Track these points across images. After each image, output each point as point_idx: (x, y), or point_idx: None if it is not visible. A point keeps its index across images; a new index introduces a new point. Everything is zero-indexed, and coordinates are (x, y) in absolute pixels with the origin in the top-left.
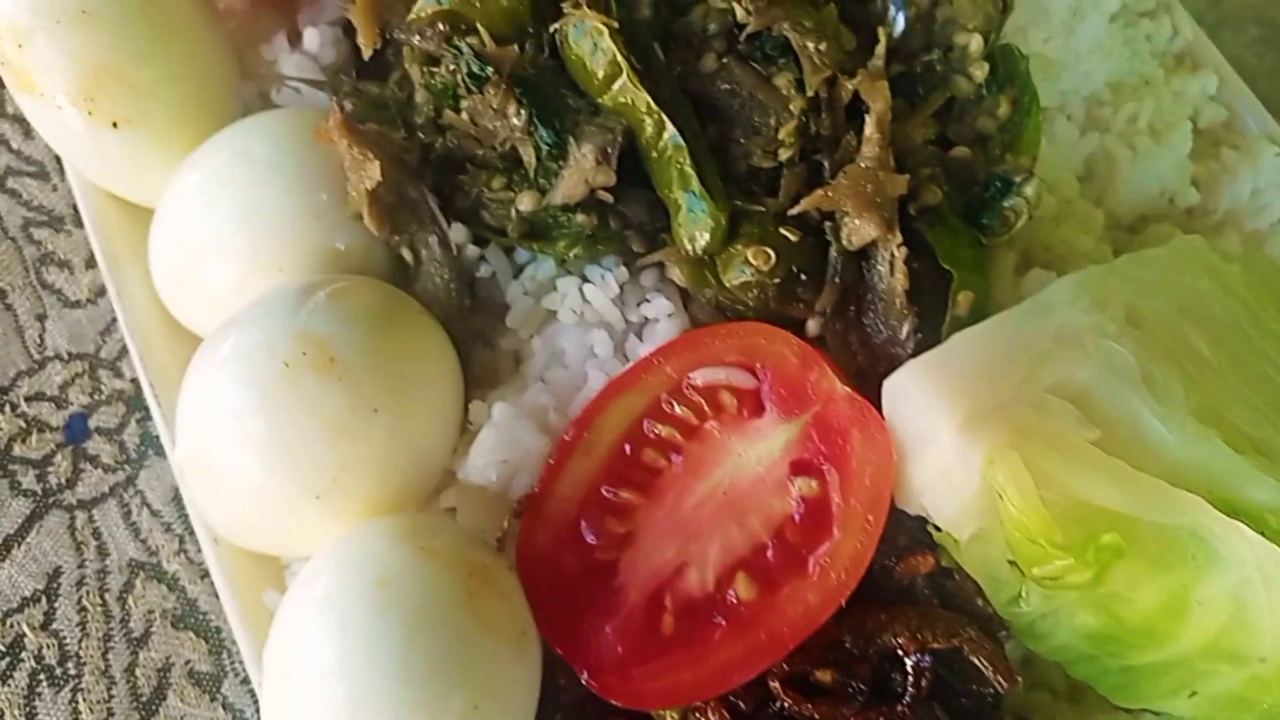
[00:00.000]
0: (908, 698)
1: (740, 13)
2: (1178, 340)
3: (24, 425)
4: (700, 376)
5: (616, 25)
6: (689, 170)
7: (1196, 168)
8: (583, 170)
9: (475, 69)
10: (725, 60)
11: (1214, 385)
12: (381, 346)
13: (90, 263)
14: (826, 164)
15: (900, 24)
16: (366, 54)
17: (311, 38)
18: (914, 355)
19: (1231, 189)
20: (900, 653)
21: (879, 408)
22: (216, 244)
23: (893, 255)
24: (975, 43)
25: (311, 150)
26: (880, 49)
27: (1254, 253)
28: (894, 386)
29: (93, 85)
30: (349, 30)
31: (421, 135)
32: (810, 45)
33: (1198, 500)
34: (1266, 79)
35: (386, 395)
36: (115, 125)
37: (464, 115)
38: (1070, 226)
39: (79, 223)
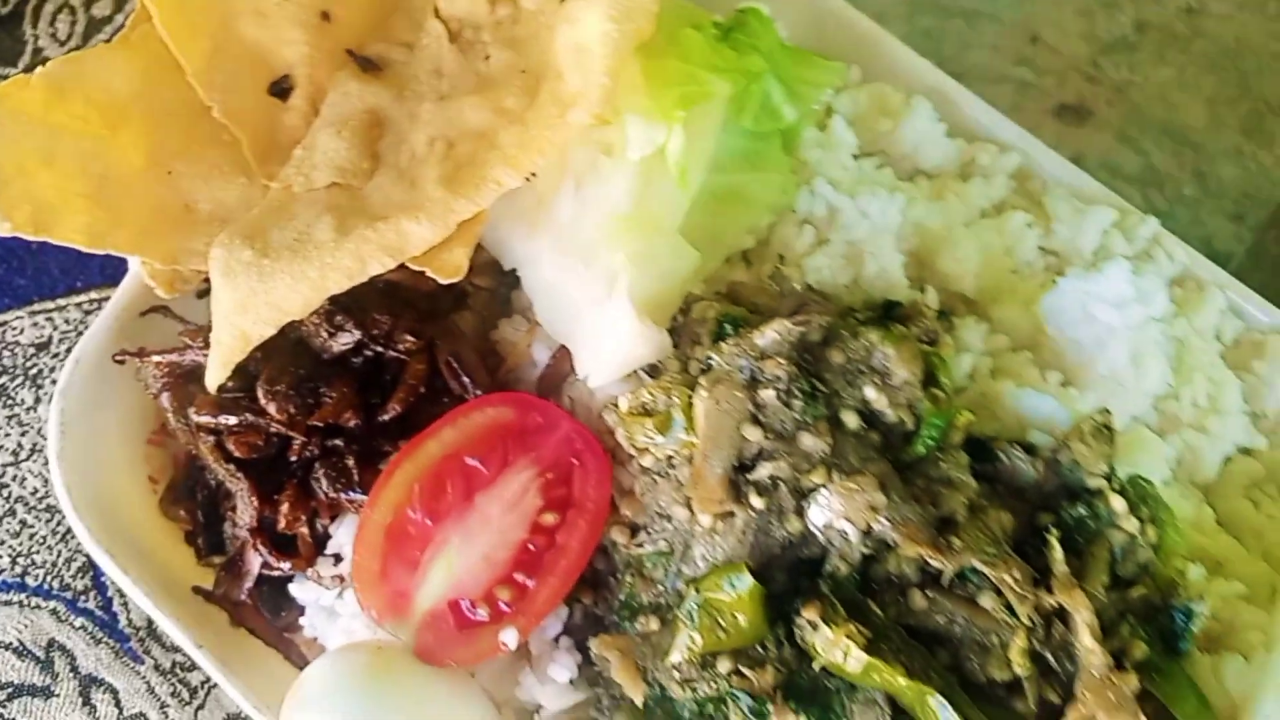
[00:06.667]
0: None
1: (936, 564)
2: None
3: None
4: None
5: (866, 638)
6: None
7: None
8: None
9: (755, 708)
10: (931, 596)
11: None
12: None
13: None
14: (1058, 666)
15: (1029, 473)
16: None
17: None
18: None
19: (1273, 396)
20: None
21: None
22: None
23: None
24: (1118, 503)
25: None
26: (1058, 556)
27: None
28: None
29: None
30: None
31: None
32: (1006, 578)
33: None
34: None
35: None
36: None
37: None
38: None
39: None
